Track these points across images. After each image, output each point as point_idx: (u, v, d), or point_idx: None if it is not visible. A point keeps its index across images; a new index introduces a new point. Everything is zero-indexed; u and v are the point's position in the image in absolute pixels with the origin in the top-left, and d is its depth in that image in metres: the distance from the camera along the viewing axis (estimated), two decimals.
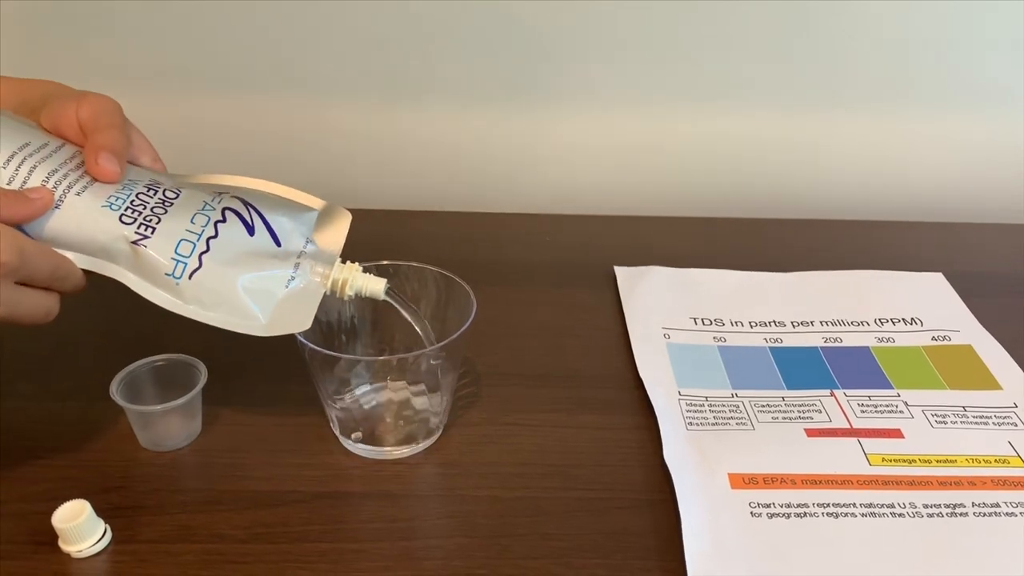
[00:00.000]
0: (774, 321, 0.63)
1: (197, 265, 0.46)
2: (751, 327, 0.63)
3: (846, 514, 0.47)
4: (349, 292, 0.50)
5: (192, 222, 0.47)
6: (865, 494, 0.48)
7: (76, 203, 0.45)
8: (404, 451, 0.51)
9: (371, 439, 0.50)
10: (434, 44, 0.75)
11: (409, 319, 0.51)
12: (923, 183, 0.82)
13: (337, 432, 0.51)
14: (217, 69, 0.76)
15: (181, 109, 0.78)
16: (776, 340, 0.61)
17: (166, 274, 0.46)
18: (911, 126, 0.80)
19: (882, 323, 0.63)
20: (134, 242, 0.45)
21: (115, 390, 0.49)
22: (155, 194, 0.47)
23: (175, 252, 0.46)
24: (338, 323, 0.54)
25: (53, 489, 0.47)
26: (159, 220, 0.46)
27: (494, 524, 0.47)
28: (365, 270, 0.50)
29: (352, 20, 0.74)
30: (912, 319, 0.64)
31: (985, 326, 0.63)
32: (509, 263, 0.70)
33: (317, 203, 0.52)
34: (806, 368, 0.59)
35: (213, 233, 0.47)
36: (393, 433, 0.51)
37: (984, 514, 0.47)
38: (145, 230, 0.46)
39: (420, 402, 0.51)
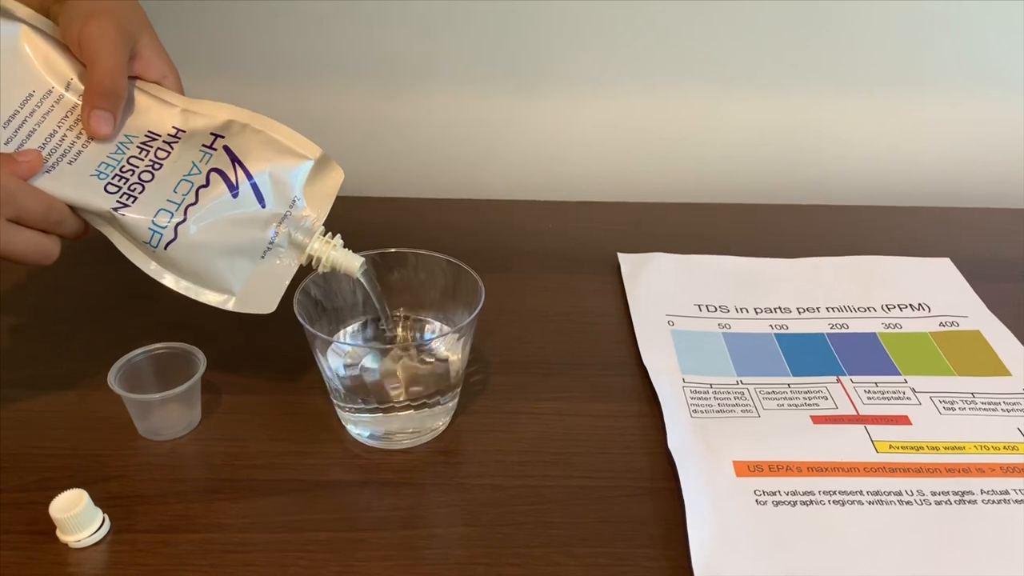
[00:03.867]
0: (779, 307, 0.63)
1: (172, 237, 0.47)
2: (756, 313, 0.62)
3: (853, 502, 0.46)
4: (324, 267, 0.49)
5: (175, 191, 0.48)
6: (872, 481, 0.48)
7: (67, 172, 0.47)
8: (407, 442, 0.50)
9: (381, 395, 0.50)
10: (437, 30, 0.75)
11: (376, 303, 0.51)
12: (930, 168, 0.81)
13: (340, 402, 0.51)
14: (212, 55, 0.76)
15: None
16: (782, 326, 0.61)
17: (144, 242, 0.47)
18: (918, 111, 0.79)
19: (889, 309, 0.63)
20: (115, 209, 0.46)
21: (113, 379, 0.49)
22: (147, 154, 0.48)
23: (152, 222, 0.47)
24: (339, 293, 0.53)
25: (51, 478, 0.47)
26: (143, 189, 0.47)
27: (496, 513, 0.46)
28: (368, 257, 0.50)
29: (352, 5, 0.73)
30: (919, 305, 0.63)
31: (993, 311, 0.62)
32: (512, 250, 0.70)
33: (314, 151, 0.51)
34: (812, 354, 0.58)
35: (193, 200, 0.48)
36: (404, 386, 0.50)
37: (993, 501, 0.47)
38: (127, 199, 0.47)
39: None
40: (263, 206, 0.49)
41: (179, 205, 0.47)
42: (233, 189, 0.48)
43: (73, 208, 0.46)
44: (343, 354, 0.50)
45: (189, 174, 0.48)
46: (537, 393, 0.55)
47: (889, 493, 0.47)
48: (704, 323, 0.61)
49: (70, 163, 0.47)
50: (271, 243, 0.49)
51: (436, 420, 0.51)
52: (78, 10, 0.48)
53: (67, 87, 0.48)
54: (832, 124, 0.80)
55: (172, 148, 0.49)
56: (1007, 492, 0.47)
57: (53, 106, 0.48)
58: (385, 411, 0.50)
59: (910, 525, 0.45)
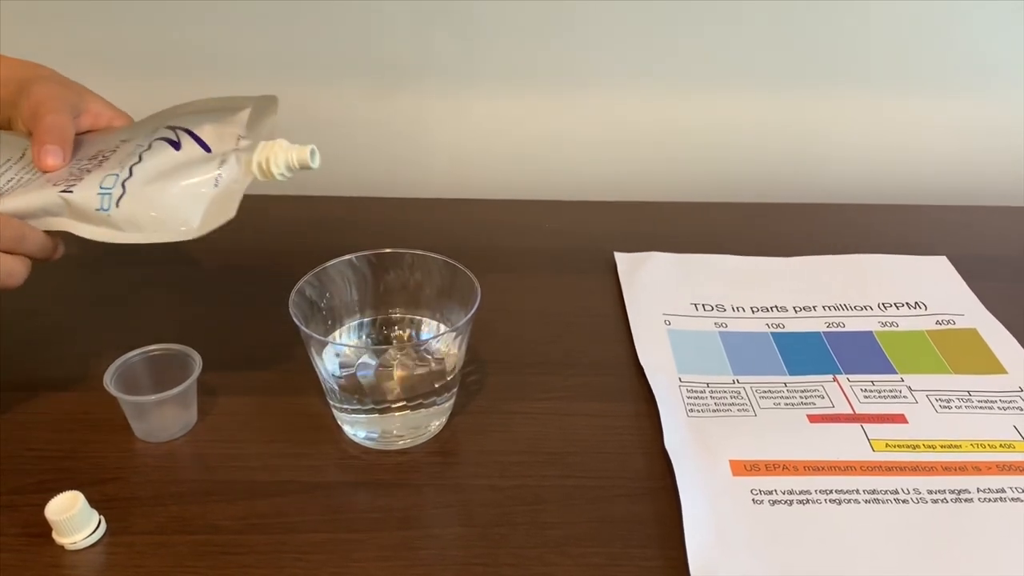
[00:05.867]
0: (776, 306, 0.63)
1: (121, 192, 0.47)
2: (752, 312, 0.62)
3: (849, 501, 0.46)
4: (276, 168, 0.48)
5: (120, 164, 0.48)
6: (868, 480, 0.48)
7: (18, 191, 0.48)
8: (403, 443, 0.50)
9: (377, 395, 0.50)
10: (433, 30, 0.75)
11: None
12: (926, 166, 0.81)
13: (336, 402, 0.50)
14: (210, 55, 0.76)
15: (174, 96, 0.77)
16: (778, 325, 0.61)
17: (96, 209, 0.47)
18: (914, 109, 0.79)
19: (885, 307, 0.63)
20: (63, 191, 0.47)
21: (109, 381, 0.49)
22: (95, 160, 0.49)
23: (100, 187, 0.47)
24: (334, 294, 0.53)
25: (47, 481, 0.47)
26: (89, 172, 0.48)
27: (493, 513, 0.46)
28: (363, 258, 0.49)
29: (351, 5, 0.73)
30: (916, 303, 0.63)
31: (990, 309, 0.62)
32: (508, 250, 0.70)
33: (248, 101, 0.52)
34: (808, 353, 0.58)
35: (136, 160, 0.48)
36: (400, 386, 0.50)
37: (989, 499, 0.47)
38: (73, 184, 0.47)
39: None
40: (208, 151, 0.49)
41: (125, 167, 0.48)
42: (175, 145, 0.49)
43: (28, 219, 0.46)
44: (339, 355, 0.50)
45: (134, 151, 0.49)
46: (533, 393, 0.55)
47: (886, 492, 0.47)
48: (701, 322, 0.61)
49: (23, 186, 0.48)
50: (220, 172, 0.49)
51: (432, 420, 0.51)
52: (24, 92, 0.50)
53: (23, 152, 0.50)
54: (828, 123, 0.80)
55: (119, 148, 0.50)
56: (1003, 490, 0.47)
57: (11, 163, 0.49)
58: (381, 412, 0.50)
59: (907, 524, 0.45)
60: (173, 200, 0.48)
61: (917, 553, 0.44)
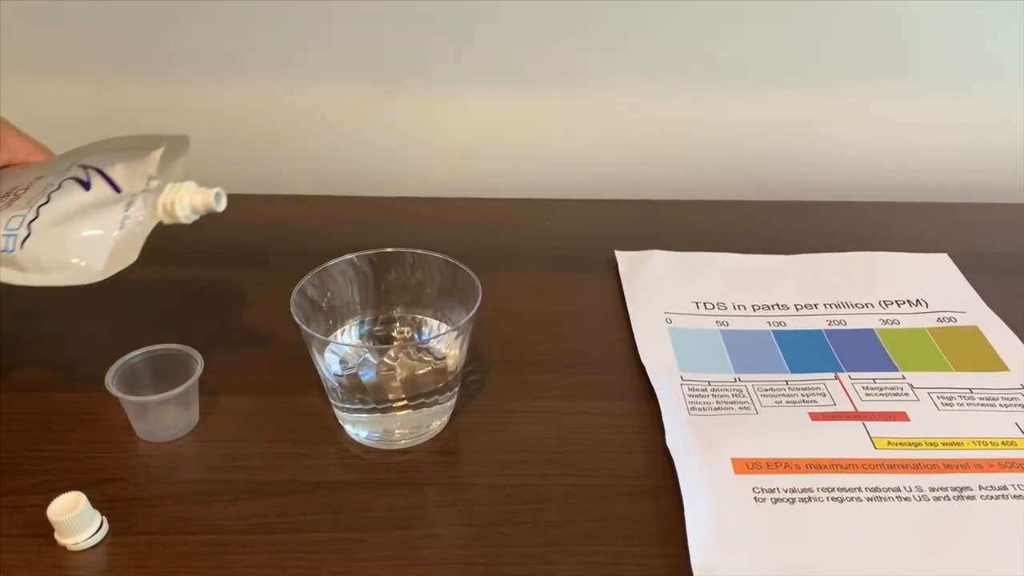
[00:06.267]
0: (777, 304, 0.63)
1: (27, 233, 0.47)
2: (754, 311, 0.62)
3: (851, 499, 0.46)
4: (181, 211, 0.48)
5: (29, 203, 0.48)
6: (871, 478, 0.48)
7: None
8: (405, 442, 0.50)
9: (378, 394, 0.50)
10: (432, 28, 0.75)
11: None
12: (927, 163, 0.81)
13: (337, 402, 0.50)
14: (208, 54, 0.76)
15: (174, 96, 0.77)
16: (779, 323, 0.61)
17: (1, 251, 0.46)
18: (915, 106, 0.79)
19: (887, 305, 0.63)
20: None
21: (111, 381, 0.49)
22: (7, 198, 0.48)
23: (5, 228, 0.47)
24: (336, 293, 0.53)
25: (48, 481, 0.47)
26: None
27: (494, 512, 0.46)
28: (364, 257, 0.49)
29: (348, 3, 0.73)
30: (917, 300, 0.63)
31: (991, 307, 0.62)
32: (508, 249, 0.70)
33: (162, 141, 0.52)
34: (810, 351, 0.58)
35: (44, 201, 0.48)
36: (401, 385, 0.50)
37: (991, 497, 0.47)
38: None
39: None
40: (118, 192, 0.49)
41: (32, 207, 0.47)
42: (85, 185, 0.49)
43: None
44: (340, 354, 0.50)
45: (44, 191, 0.48)
46: (535, 392, 0.55)
47: (888, 489, 0.47)
48: (702, 320, 0.61)
49: None
50: (127, 214, 0.48)
51: (434, 420, 0.51)
52: None
53: None
54: (829, 121, 0.79)
55: (32, 185, 0.49)
56: (1005, 488, 0.47)
57: None
58: (383, 411, 0.50)
59: (909, 521, 0.45)
60: (77, 243, 0.47)
61: (919, 551, 0.44)
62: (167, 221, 0.48)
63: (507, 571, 0.43)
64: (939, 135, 0.80)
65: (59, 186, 0.48)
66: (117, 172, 0.49)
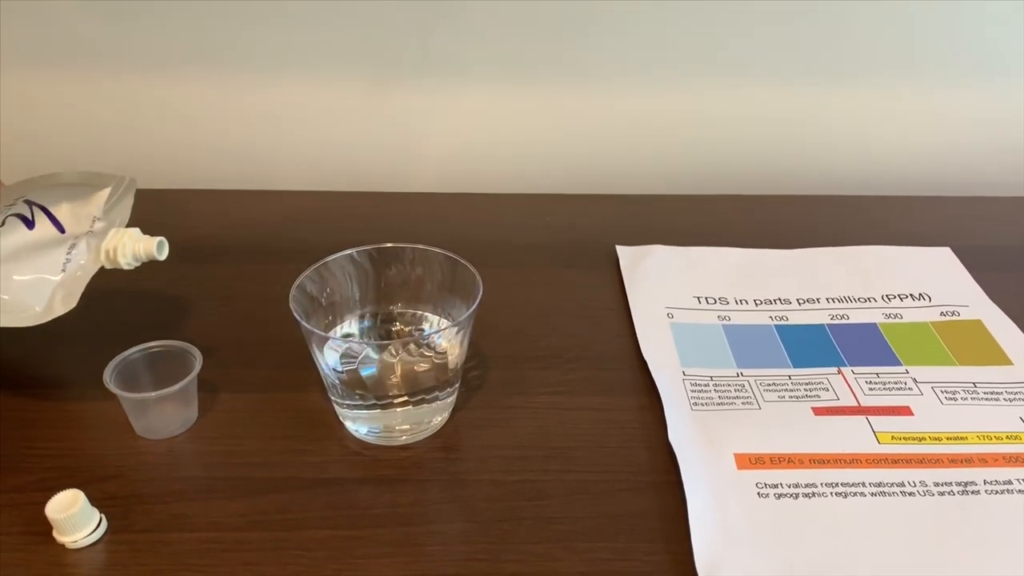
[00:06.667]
0: (779, 299, 0.62)
1: None
2: (756, 305, 0.62)
3: (855, 493, 0.46)
4: (123, 258, 0.48)
5: None
6: (874, 473, 0.47)
7: None
8: (405, 438, 0.50)
9: (379, 391, 0.49)
10: (433, 22, 0.74)
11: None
12: (930, 156, 0.81)
13: (337, 398, 0.50)
14: (207, 53, 0.75)
15: (173, 95, 0.77)
16: (782, 318, 0.60)
17: None
18: (916, 100, 0.78)
19: (889, 299, 0.62)
20: None
21: (109, 378, 0.49)
22: None
23: None
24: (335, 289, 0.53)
25: (47, 479, 0.47)
26: None
27: (496, 508, 0.46)
28: (364, 252, 0.49)
29: (347, 1, 0.73)
30: (920, 294, 0.63)
31: (994, 300, 0.62)
32: (510, 244, 0.69)
33: (109, 180, 0.52)
34: (812, 346, 0.58)
35: None
36: (401, 381, 0.50)
37: (996, 491, 0.46)
38: None
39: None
40: (62, 232, 0.49)
41: None
42: (30, 224, 0.49)
43: None
44: (340, 350, 0.50)
45: None
46: (536, 387, 0.54)
47: (891, 484, 0.47)
48: (704, 315, 0.61)
49: None
50: (68, 256, 0.49)
51: (434, 416, 0.51)
52: None
53: None
54: (831, 115, 0.79)
55: None
56: (1010, 482, 0.47)
57: None
58: (383, 407, 0.49)
59: (913, 516, 0.45)
60: (16, 284, 0.47)
61: (923, 545, 0.43)
62: (108, 267, 0.49)
63: (509, 568, 0.43)
64: (942, 129, 0.80)
65: (3, 222, 0.48)
66: (62, 211, 0.50)
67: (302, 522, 0.45)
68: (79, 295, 0.48)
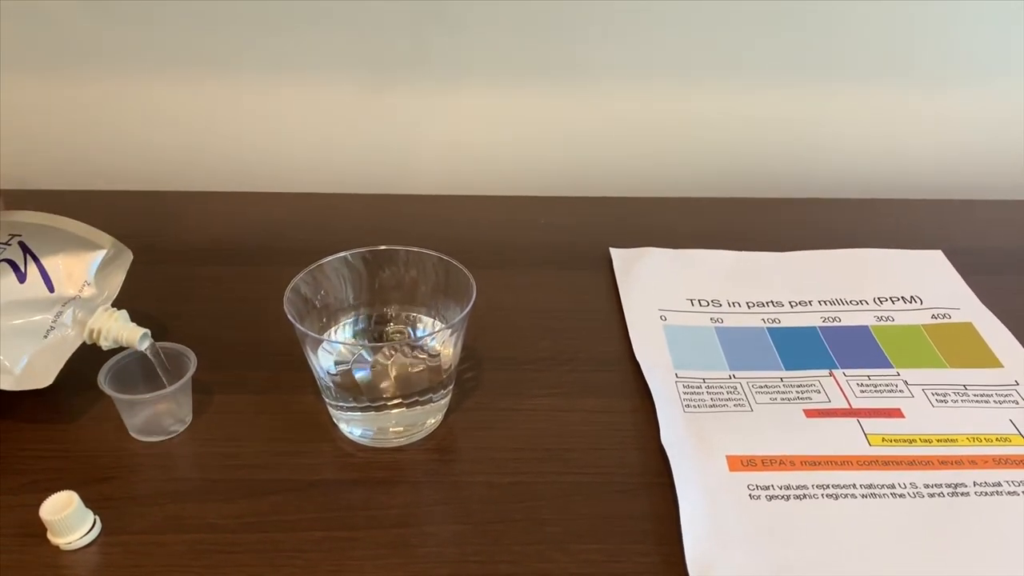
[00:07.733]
0: (772, 301, 0.63)
1: None
2: (748, 308, 0.62)
3: (846, 495, 0.46)
4: (104, 342, 0.49)
5: None
6: (865, 475, 0.48)
7: None
8: (399, 440, 0.50)
9: (373, 393, 0.50)
10: (428, 26, 0.74)
11: (161, 375, 0.50)
12: (922, 160, 0.81)
13: (332, 400, 0.50)
14: (206, 53, 0.75)
15: (173, 95, 0.77)
16: (774, 320, 0.61)
17: None
18: (909, 103, 0.79)
19: (881, 302, 0.63)
20: None
21: (103, 379, 0.49)
22: None
23: None
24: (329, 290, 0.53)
25: (41, 481, 0.47)
26: None
27: (489, 510, 0.46)
28: (358, 255, 0.49)
29: (345, 2, 0.73)
30: (911, 297, 0.63)
31: (985, 303, 0.62)
32: (503, 246, 0.69)
33: (106, 241, 0.52)
34: (804, 348, 0.58)
35: None
36: (395, 383, 0.50)
37: (985, 493, 0.47)
38: None
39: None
40: (51, 291, 0.49)
41: None
42: (21, 276, 0.49)
43: None
44: (334, 352, 0.50)
45: None
46: (530, 389, 0.54)
47: (882, 486, 0.47)
48: (696, 317, 0.61)
49: None
50: (54, 323, 0.49)
51: (428, 417, 0.51)
52: None
53: None
54: (823, 117, 0.79)
55: None
56: (999, 484, 0.47)
57: None
58: (377, 409, 0.50)
59: (903, 518, 0.45)
60: (3, 335, 0.48)
61: (914, 547, 0.44)
62: (88, 343, 0.49)
63: (502, 569, 0.43)
64: (933, 131, 0.80)
65: None
66: (54, 266, 0.50)
67: (296, 524, 0.45)
68: (57, 372, 0.48)
